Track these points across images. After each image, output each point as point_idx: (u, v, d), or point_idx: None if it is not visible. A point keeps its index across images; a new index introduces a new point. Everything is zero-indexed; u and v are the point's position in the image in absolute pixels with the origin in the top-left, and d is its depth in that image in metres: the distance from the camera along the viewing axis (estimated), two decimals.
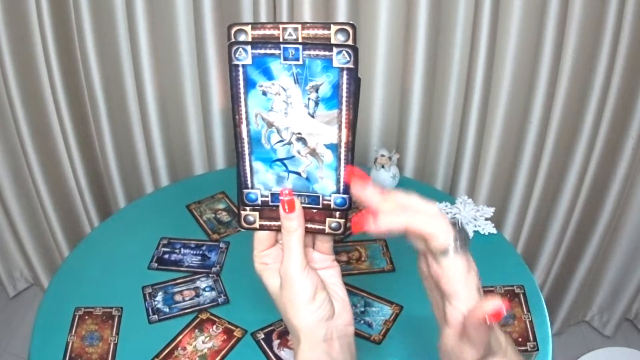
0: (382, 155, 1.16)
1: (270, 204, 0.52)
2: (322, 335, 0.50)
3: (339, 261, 0.99)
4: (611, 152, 1.32)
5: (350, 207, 0.51)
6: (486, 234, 1.06)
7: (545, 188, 1.42)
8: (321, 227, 0.52)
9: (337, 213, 0.51)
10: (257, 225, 0.53)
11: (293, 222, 0.49)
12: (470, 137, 1.30)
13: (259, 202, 0.52)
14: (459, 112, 1.31)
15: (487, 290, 0.88)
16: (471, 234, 1.05)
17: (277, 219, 0.51)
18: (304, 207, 0.50)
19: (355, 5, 1.21)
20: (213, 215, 1.12)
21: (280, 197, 0.50)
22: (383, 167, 1.16)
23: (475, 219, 1.07)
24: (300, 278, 0.49)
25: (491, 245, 1.04)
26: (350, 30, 0.44)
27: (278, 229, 0.52)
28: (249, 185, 0.51)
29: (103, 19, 1.27)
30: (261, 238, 0.53)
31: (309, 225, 0.51)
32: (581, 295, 1.57)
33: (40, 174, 1.48)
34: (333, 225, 0.52)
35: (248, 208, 0.52)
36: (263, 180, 0.51)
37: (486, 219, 1.07)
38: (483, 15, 1.12)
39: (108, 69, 1.34)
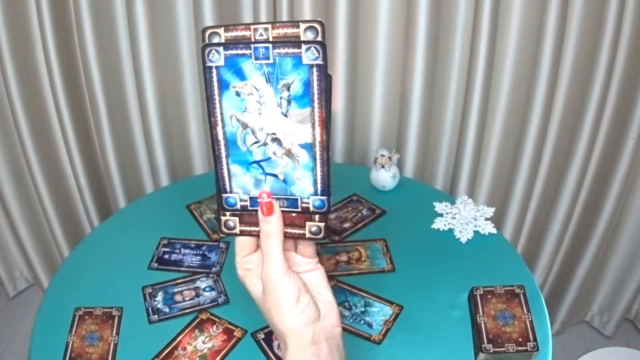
0: (382, 155, 1.16)
1: (250, 208, 0.51)
2: (310, 338, 0.50)
3: (338, 261, 0.99)
4: (611, 152, 1.32)
5: (329, 210, 0.51)
6: (486, 234, 1.06)
7: (545, 188, 1.42)
8: (301, 231, 0.51)
9: (317, 216, 0.51)
10: (237, 230, 0.52)
11: (272, 225, 0.49)
12: (470, 137, 1.30)
13: (238, 206, 0.52)
14: (459, 112, 1.31)
15: (487, 290, 0.88)
16: (471, 234, 1.05)
17: (257, 224, 0.51)
18: (283, 211, 0.50)
19: (355, 5, 1.21)
20: (213, 215, 1.12)
21: (259, 200, 0.50)
22: (383, 167, 1.16)
23: (475, 219, 1.07)
24: (282, 282, 0.49)
25: (491, 245, 1.04)
26: (319, 28, 0.45)
27: (258, 235, 0.51)
28: (228, 190, 0.51)
29: (103, 18, 1.27)
30: (243, 244, 0.52)
31: (289, 230, 0.51)
32: (581, 295, 1.57)
33: (40, 174, 1.48)
34: (313, 229, 0.51)
35: (228, 213, 0.52)
36: (241, 183, 0.51)
37: (486, 219, 1.07)
38: (483, 15, 1.12)
39: (108, 69, 1.34)
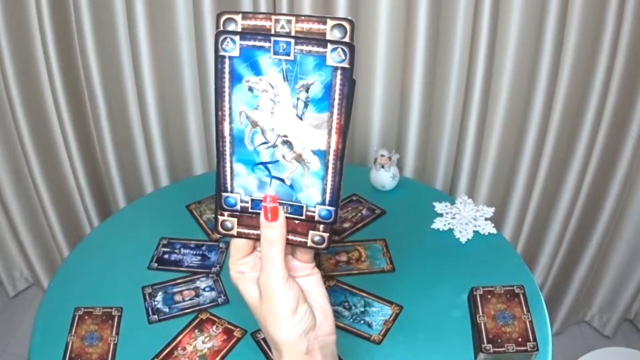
0: (382, 155, 1.16)
1: (250, 210, 0.48)
2: (304, 348, 0.48)
3: (338, 261, 0.99)
4: (611, 152, 1.32)
5: (335, 221, 0.47)
6: (486, 234, 1.06)
7: (545, 188, 1.42)
8: (303, 239, 0.48)
9: (321, 226, 0.48)
10: (234, 232, 0.49)
11: (275, 232, 0.46)
12: (470, 137, 1.30)
13: (238, 207, 0.48)
14: (459, 112, 1.31)
15: (487, 291, 0.88)
16: (471, 234, 1.05)
17: (257, 227, 0.48)
18: (286, 217, 0.47)
19: (355, 4, 1.21)
20: (213, 216, 1.12)
21: (263, 203, 0.46)
22: (383, 167, 1.16)
23: (475, 219, 1.07)
24: (281, 291, 0.47)
25: (491, 245, 1.04)
26: (348, 27, 0.41)
27: (257, 238, 0.48)
28: (229, 189, 0.48)
29: (103, 19, 1.27)
30: (238, 246, 0.50)
31: (290, 237, 0.48)
32: (581, 295, 1.57)
33: (40, 174, 1.48)
34: (316, 239, 0.48)
35: (226, 213, 0.48)
36: (244, 184, 0.47)
37: (486, 219, 1.07)
38: (483, 15, 1.12)
39: (108, 69, 1.34)
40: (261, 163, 0.46)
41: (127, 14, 1.24)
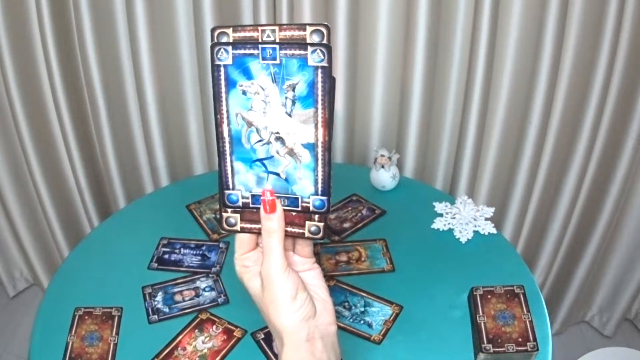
0: (382, 155, 1.16)
1: (251, 205, 0.52)
2: (305, 335, 0.50)
3: (338, 261, 0.99)
4: (611, 152, 1.32)
5: (329, 211, 0.51)
6: (486, 234, 1.06)
7: (545, 188, 1.42)
8: (301, 230, 0.52)
9: (316, 216, 0.52)
10: (238, 227, 0.53)
11: (273, 223, 0.50)
12: (470, 137, 1.30)
13: (240, 203, 0.52)
14: (459, 112, 1.31)
15: (487, 290, 0.88)
16: (471, 234, 1.05)
17: (258, 221, 0.52)
18: (283, 210, 0.51)
19: (355, 5, 1.21)
20: (213, 215, 1.12)
21: (262, 197, 0.51)
22: (383, 167, 1.16)
23: (475, 219, 1.07)
24: (281, 279, 0.50)
25: (491, 245, 1.04)
26: (325, 31, 0.46)
27: (259, 232, 0.52)
28: (230, 186, 0.52)
29: (103, 19, 1.27)
30: (242, 241, 0.53)
31: (289, 229, 0.52)
32: (581, 295, 1.57)
33: (40, 174, 1.48)
34: (312, 229, 0.52)
35: (229, 210, 0.53)
36: (244, 181, 0.52)
37: (486, 219, 1.07)
38: (483, 15, 1.12)
39: (108, 69, 1.34)
40: (258, 160, 0.51)
41: (127, 14, 1.24)
